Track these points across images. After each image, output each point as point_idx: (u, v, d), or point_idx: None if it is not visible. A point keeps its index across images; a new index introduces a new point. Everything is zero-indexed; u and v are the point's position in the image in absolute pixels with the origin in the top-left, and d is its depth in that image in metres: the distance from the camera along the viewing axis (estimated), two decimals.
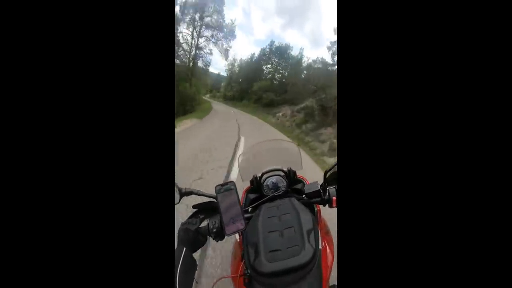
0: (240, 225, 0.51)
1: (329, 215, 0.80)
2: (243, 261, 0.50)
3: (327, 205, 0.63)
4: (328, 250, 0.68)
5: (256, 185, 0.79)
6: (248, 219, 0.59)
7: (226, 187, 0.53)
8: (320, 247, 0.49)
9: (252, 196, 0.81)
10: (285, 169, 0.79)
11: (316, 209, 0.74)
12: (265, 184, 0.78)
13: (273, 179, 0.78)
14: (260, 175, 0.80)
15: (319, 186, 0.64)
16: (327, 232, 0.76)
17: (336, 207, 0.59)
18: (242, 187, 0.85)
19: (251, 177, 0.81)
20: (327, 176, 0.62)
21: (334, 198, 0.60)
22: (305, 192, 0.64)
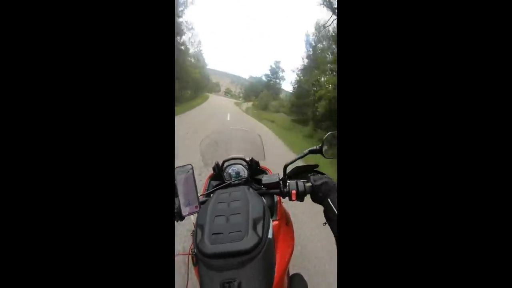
0: (195, 207, 0.53)
1: (292, 206, 0.80)
2: (193, 241, 0.53)
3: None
4: (290, 241, 0.70)
5: (218, 172, 0.81)
6: (203, 202, 0.61)
7: (184, 169, 0.53)
8: (270, 236, 0.50)
9: (214, 183, 0.83)
10: (247, 159, 0.81)
11: (276, 200, 0.77)
12: (226, 172, 0.80)
13: (235, 167, 0.80)
14: (221, 162, 0.82)
15: (278, 178, 0.66)
16: (287, 223, 0.77)
17: (295, 200, 0.63)
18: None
19: (213, 164, 0.82)
20: (286, 170, 0.66)
21: (294, 191, 0.62)
22: (263, 182, 0.66)
